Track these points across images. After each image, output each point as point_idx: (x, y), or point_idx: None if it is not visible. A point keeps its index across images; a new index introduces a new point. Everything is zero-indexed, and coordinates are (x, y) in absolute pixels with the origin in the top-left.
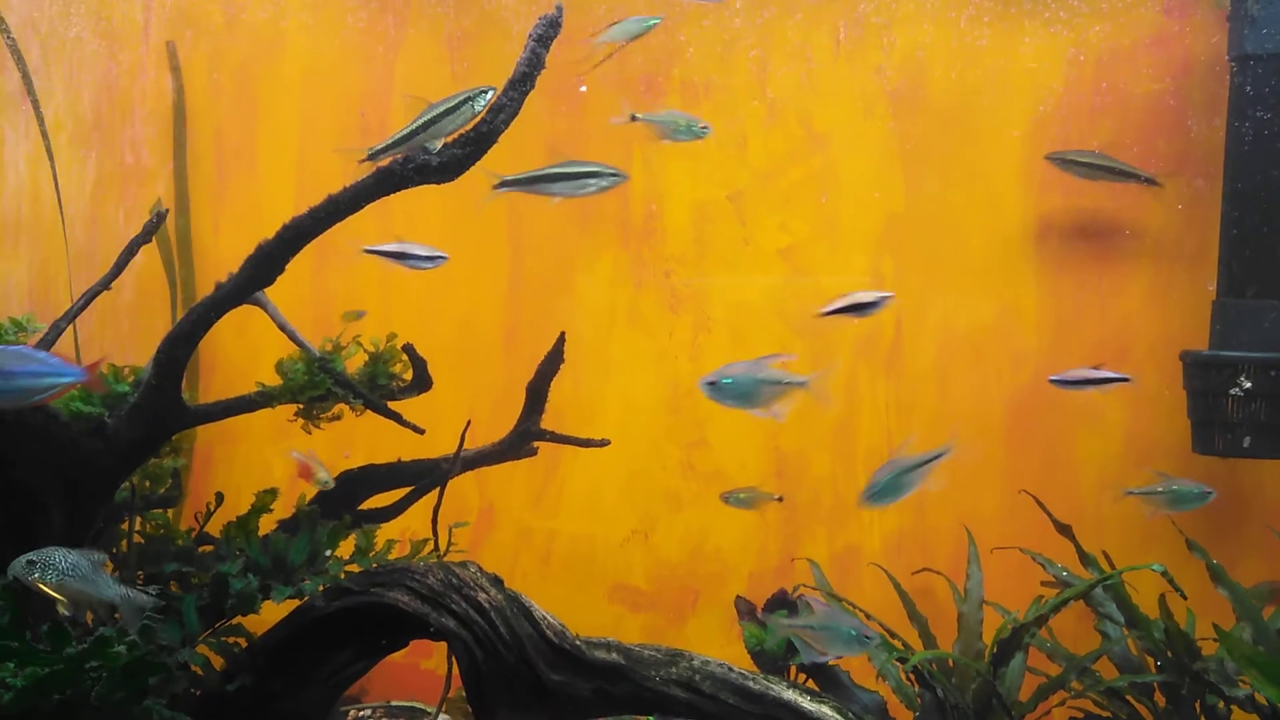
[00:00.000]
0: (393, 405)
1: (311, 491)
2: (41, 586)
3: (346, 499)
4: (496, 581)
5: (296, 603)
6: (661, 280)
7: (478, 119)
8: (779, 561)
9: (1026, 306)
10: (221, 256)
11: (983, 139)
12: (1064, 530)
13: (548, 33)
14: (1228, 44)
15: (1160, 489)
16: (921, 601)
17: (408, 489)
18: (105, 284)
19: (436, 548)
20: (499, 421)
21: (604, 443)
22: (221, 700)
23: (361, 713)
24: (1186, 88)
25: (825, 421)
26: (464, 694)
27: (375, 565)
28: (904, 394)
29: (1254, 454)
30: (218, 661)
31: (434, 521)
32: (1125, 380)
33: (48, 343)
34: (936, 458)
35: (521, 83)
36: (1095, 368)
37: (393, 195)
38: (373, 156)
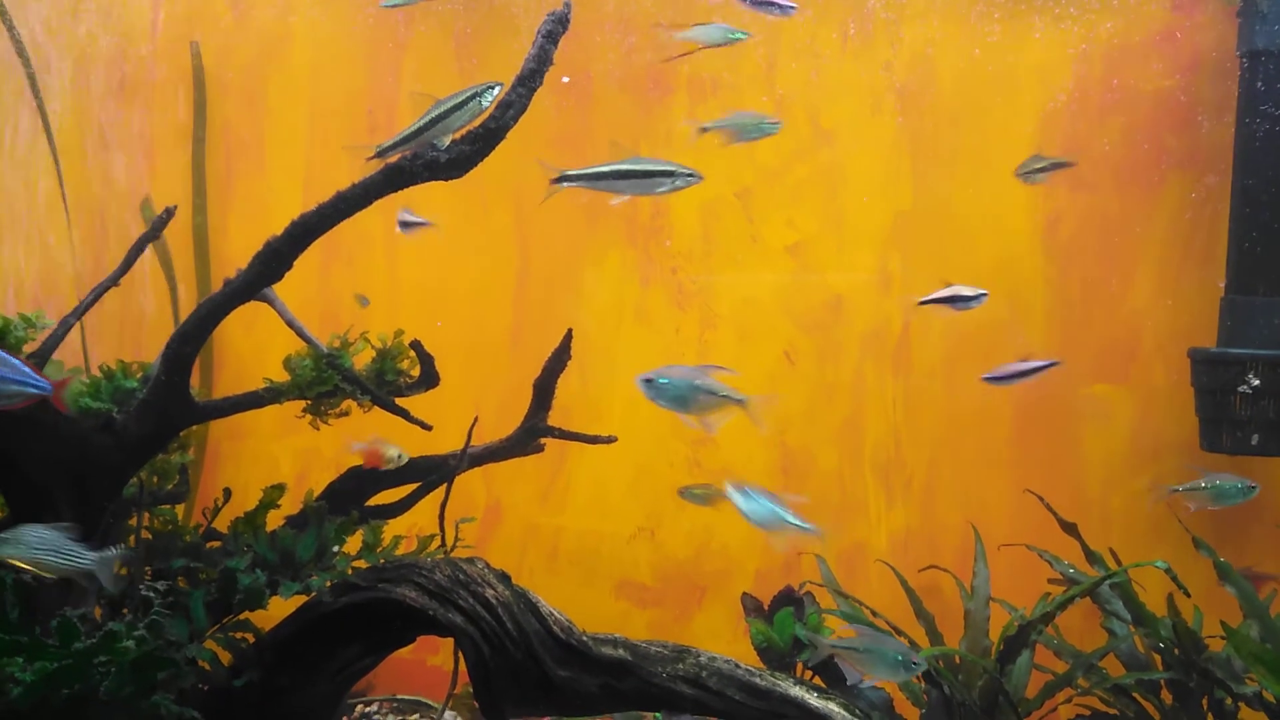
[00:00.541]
0: (400, 401)
1: (318, 488)
2: (13, 560)
3: (354, 495)
4: (504, 577)
5: (304, 598)
6: (669, 277)
7: (486, 115)
8: (785, 558)
9: (1034, 303)
10: (230, 253)
11: (991, 135)
12: (1069, 528)
13: (556, 29)
14: (1237, 40)
15: (1204, 484)
16: (928, 598)
17: (415, 485)
18: (113, 280)
19: (444, 544)
20: (506, 418)
21: (611, 439)
22: (229, 695)
23: (368, 707)
24: (1196, 84)
25: (832, 418)
26: (470, 689)
27: (383, 561)
28: (911, 391)
29: (1262, 451)
30: (225, 657)
31: (441, 517)
32: (1054, 365)
33: (56, 338)
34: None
35: (530, 79)
36: (1023, 359)
37: (400, 192)
38: (381, 153)
